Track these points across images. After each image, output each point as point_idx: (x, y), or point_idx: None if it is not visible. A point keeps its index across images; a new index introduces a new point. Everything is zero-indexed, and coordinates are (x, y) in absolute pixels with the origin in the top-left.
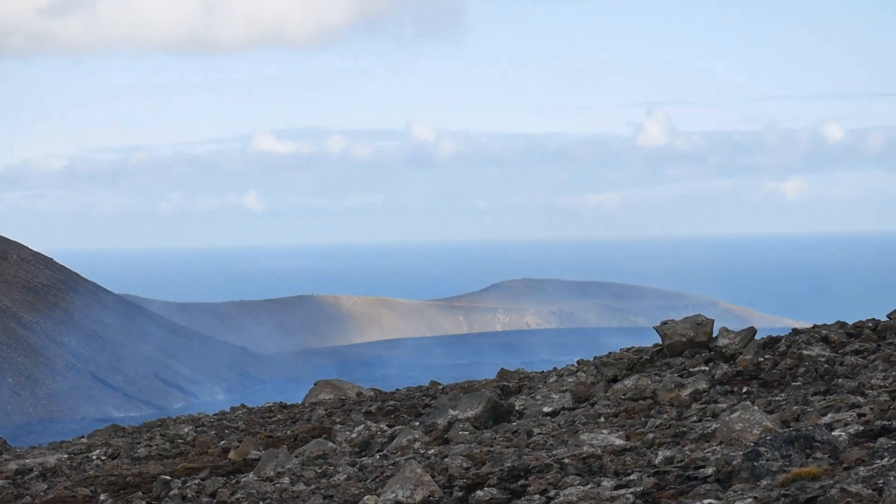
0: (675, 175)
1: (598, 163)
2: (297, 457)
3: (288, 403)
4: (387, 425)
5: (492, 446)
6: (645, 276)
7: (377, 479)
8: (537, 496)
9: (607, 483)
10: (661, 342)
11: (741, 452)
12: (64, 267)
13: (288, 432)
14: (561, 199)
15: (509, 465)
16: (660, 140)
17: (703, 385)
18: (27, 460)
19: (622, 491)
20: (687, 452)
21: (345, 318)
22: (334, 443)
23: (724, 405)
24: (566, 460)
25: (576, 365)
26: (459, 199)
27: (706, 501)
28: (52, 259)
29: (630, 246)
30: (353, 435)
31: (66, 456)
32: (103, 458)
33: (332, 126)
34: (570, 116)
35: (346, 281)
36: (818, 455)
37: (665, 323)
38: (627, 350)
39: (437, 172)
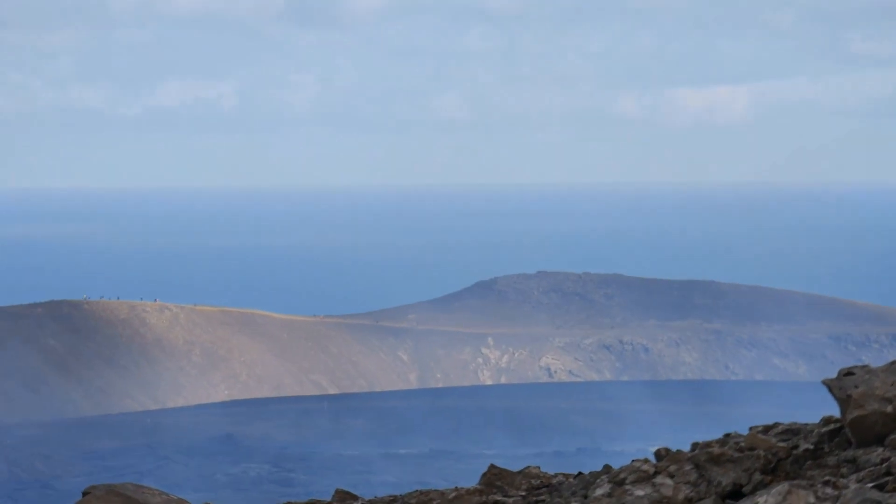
0: (868, 50)
1: (702, 20)
2: None
3: None
4: None
5: None
6: (797, 273)
7: None
8: None
9: None
10: (838, 414)
11: None
12: None
13: None
14: (623, 97)
15: None
16: None
17: None
18: None
19: None
20: None
21: (151, 350)
22: None
23: None
24: None
25: (653, 461)
26: (406, 94)
27: None
28: None
29: (768, 203)
30: None
31: None
32: None
33: None
34: None
35: (153, 272)
36: None
37: (848, 373)
38: (765, 430)
39: (360, 34)
